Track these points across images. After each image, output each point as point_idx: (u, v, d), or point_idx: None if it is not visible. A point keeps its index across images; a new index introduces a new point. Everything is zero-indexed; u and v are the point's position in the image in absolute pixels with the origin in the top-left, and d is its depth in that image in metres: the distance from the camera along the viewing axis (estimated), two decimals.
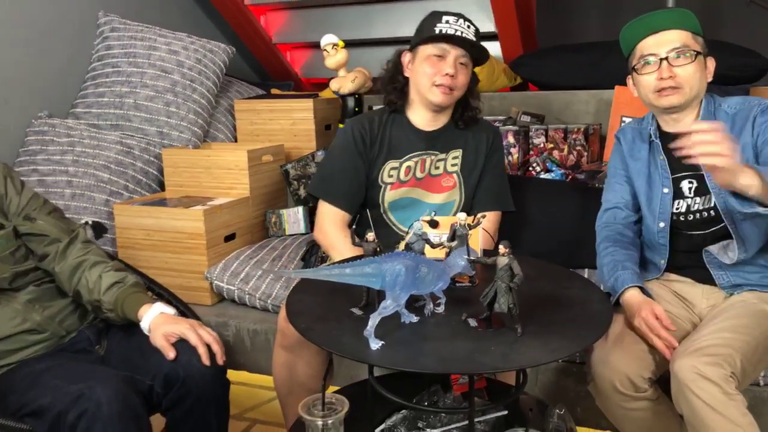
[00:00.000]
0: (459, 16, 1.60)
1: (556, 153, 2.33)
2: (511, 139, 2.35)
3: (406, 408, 1.29)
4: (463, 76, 1.61)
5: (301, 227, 2.38)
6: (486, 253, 1.41)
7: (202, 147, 2.58)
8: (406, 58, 1.67)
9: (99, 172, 2.34)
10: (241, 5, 3.20)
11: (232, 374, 1.43)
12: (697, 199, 1.45)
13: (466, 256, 1.11)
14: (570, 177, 2.21)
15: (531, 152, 2.38)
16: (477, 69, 1.69)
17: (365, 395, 1.24)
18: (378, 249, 1.19)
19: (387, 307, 1.02)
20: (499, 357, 1.00)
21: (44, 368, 1.29)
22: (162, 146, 2.49)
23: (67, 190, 2.28)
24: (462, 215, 1.22)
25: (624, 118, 2.25)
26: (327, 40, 2.56)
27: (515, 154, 2.36)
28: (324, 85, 2.91)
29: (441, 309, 1.15)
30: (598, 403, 1.40)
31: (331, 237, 1.65)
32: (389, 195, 1.69)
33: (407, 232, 1.20)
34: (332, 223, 1.66)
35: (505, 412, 1.28)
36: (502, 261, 1.05)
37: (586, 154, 2.32)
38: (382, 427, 1.27)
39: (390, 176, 1.69)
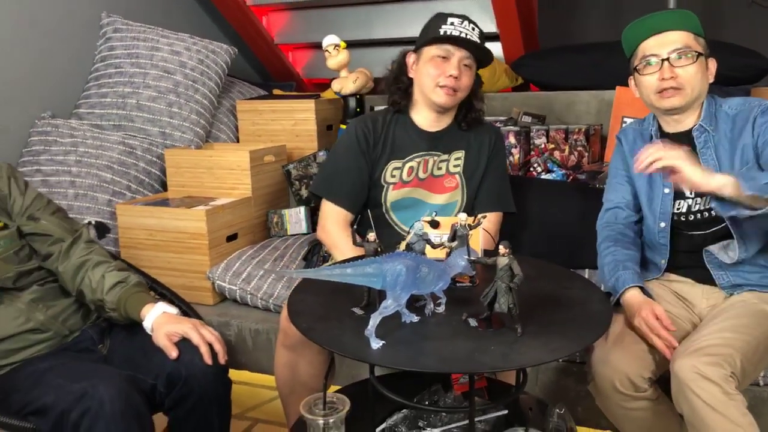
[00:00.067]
0: (464, 18, 1.61)
1: (557, 153, 2.33)
2: (512, 139, 2.36)
3: (407, 407, 1.29)
4: (467, 77, 1.62)
5: (303, 227, 2.38)
6: (486, 253, 1.41)
7: (205, 147, 2.59)
8: (411, 59, 1.68)
9: (102, 173, 2.35)
10: (243, 6, 3.21)
11: (233, 374, 1.44)
12: (698, 199, 1.45)
13: (467, 257, 1.11)
14: (571, 177, 2.22)
15: (532, 153, 2.39)
16: (479, 70, 1.70)
17: (366, 394, 1.24)
18: (379, 249, 1.20)
19: (388, 306, 1.02)
20: (499, 357, 1.01)
21: (47, 367, 1.30)
22: (164, 146, 2.50)
23: (70, 191, 2.29)
24: (463, 216, 1.23)
25: (625, 119, 2.25)
26: (329, 40, 2.56)
27: (516, 154, 2.36)
28: (326, 85, 2.91)
29: (441, 309, 1.16)
30: (598, 403, 1.40)
31: (334, 236, 1.66)
32: (392, 195, 1.70)
33: (408, 233, 1.21)
34: (335, 223, 1.67)
35: (506, 412, 1.29)
36: (503, 261, 1.06)
37: (587, 154, 2.32)
38: (383, 426, 1.28)
39: (393, 176, 1.69)
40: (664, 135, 1.51)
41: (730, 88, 2.21)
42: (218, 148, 2.57)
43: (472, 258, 1.13)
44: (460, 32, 1.58)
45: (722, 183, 1.21)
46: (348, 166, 1.68)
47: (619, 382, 1.30)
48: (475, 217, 1.33)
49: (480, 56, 1.64)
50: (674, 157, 1.23)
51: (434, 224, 1.36)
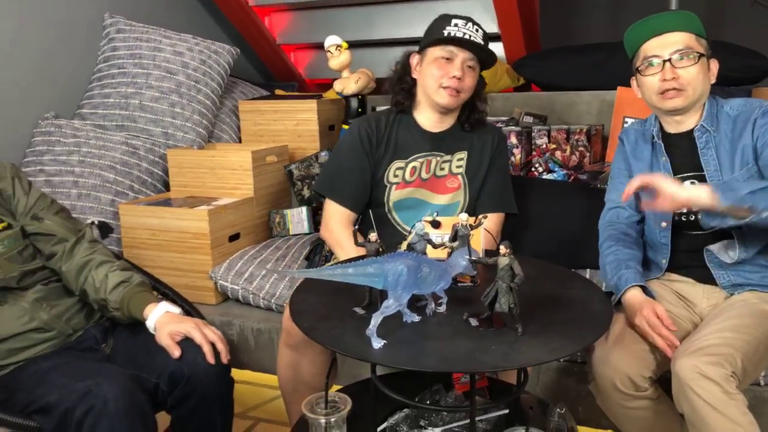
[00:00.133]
0: (468, 19, 1.62)
1: (558, 154, 2.33)
2: (513, 139, 2.36)
3: (409, 407, 1.30)
4: (470, 79, 1.63)
5: (305, 227, 2.39)
6: (487, 253, 1.42)
7: (207, 147, 2.60)
8: (415, 59, 1.69)
9: (105, 173, 2.36)
10: (245, 6, 3.21)
11: (235, 373, 1.44)
12: None
13: (468, 256, 1.12)
14: (572, 178, 2.22)
15: (533, 153, 2.39)
16: (482, 71, 1.71)
17: (368, 394, 1.25)
18: (380, 249, 1.20)
19: (389, 306, 1.03)
20: (500, 356, 1.01)
21: (51, 366, 1.31)
22: (167, 147, 2.51)
23: (73, 191, 2.30)
24: (464, 216, 1.23)
25: (626, 119, 2.25)
26: (331, 41, 2.57)
27: (518, 154, 2.37)
28: (328, 85, 2.92)
29: (442, 308, 1.16)
30: (599, 403, 1.41)
31: (338, 236, 1.67)
32: (394, 195, 1.70)
33: (410, 233, 1.22)
34: (338, 222, 1.68)
35: (506, 411, 1.30)
36: (503, 261, 1.06)
37: (588, 154, 2.33)
38: (384, 425, 1.28)
39: (395, 176, 1.70)
40: (665, 135, 1.52)
41: (731, 89, 2.22)
42: (220, 148, 2.58)
43: (473, 258, 1.13)
44: (464, 34, 1.58)
45: (697, 194, 1.24)
46: (351, 165, 1.69)
47: (620, 381, 1.30)
48: (476, 217, 1.34)
49: (483, 58, 1.64)
50: (649, 176, 1.31)
51: (435, 224, 1.37)
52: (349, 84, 2.56)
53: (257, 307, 2.10)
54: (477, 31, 1.61)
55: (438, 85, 1.61)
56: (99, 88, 2.59)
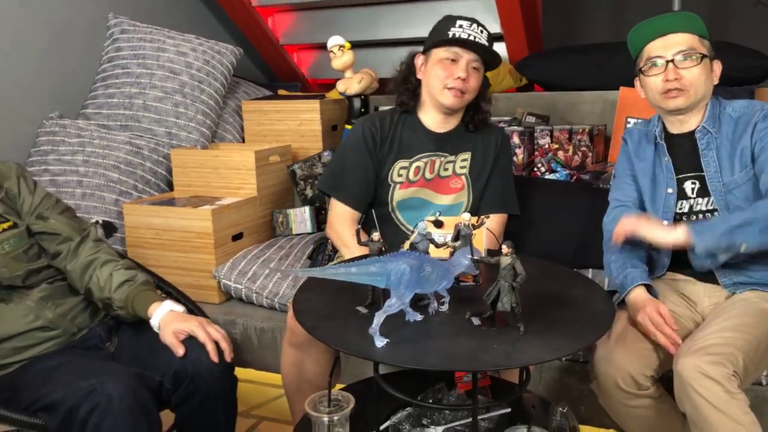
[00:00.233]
0: (472, 20, 1.62)
1: (561, 154, 2.33)
2: (516, 139, 2.36)
3: (411, 405, 1.30)
4: (475, 80, 1.63)
5: (308, 227, 2.40)
6: (490, 253, 1.42)
7: (210, 147, 2.61)
8: (419, 60, 1.70)
9: (109, 172, 2.37)
10: (248, 7, 3.22)
11: (239, 372, 1.45)
12: (699, 200, 1.46)
13: (470, 256, 1.12)
14: (575, 178, 2.22)
15: (536, 153, 2.39)
16: (486, 72, 1.71)
17: (371, 392, 1.25)
18: (383, 248, 1.21)
19: (392, 305, 1.03)
20: (502, 355, 1.02)
21: (56, 364, 1.31)
22: (171, 146, 2.52)
23: (77, 190, 2.31)
24: (466, 215, 1.24)
25: (629, 119, 2.25)
26: (334, 41, 2.58)
27: (520, 154, 2.37)
28: (331, 86, 2.93)
29: (445, 308, 1.17)
30: (601, 401, 1.41)
31: (342, 235, 1.68)
32: (398, 194, 1.71)
33: (413, 232, 1.22)
34: (342, 222, 1.69)
35: (509, 410, 1.30)
36: (506, 260, 1.07)
37: (591, 154, 2.33)
38: (387, 423, 1.29)
39: (399, 176, 1.70)
40: (668, 136, 1.52)
41: (734, 89, 2.22)
42: (224, 148, 2.59)
43: (476, 257, 1.14)
44: (469, 35, 1.59)
45: (675, 238, 1.30)
46: (355, 164, 1.70)
47: (622, 380, 1.31)
48: (479, 216, 1.34)
49: (488, 59, 1.65)
50: (632, 224, 1.38)
51: (438, 224, 1.37)
52: (352, 84, 2.56)
53: (260, 306, 2.10)
54: (482, 32, 1.62)
55: (443, 86, 1.62)
56: (103, 88, 2.60)
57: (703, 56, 1.43)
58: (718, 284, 1.46)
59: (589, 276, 1.83)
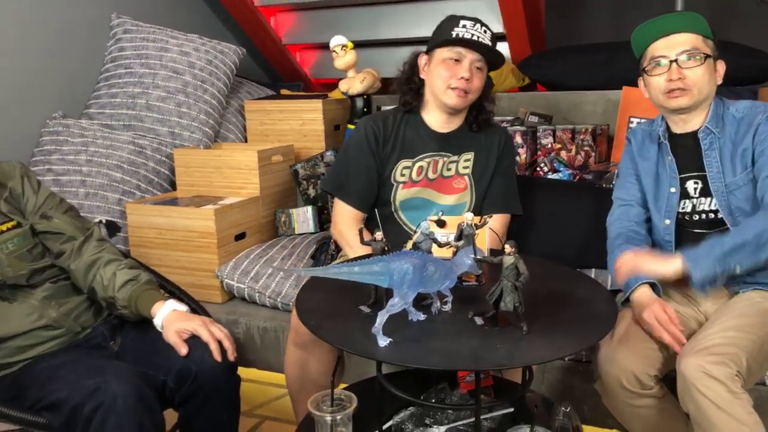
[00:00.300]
0: (476, 20, 1.62)
1: (563, 153, 2.33)
2: (518, 139, 2.36)
3: (414, 405, 1.30)
4: (478, 80, 1.63)
5: (311, 226, 2.40)
6: (493, 252, 1.42)
7: (213, 147, 2.61)
8: (422, 60, 1.69)
9: (112, 172, 2.38)
10: (251, 7, 3.23)
11: (242, 371, 1.45)
12: (702, 200, 1.47)
13: (473, 255, 1.12)
14: (577, 177, 2.22)
15: (539, 152, 2.39)
16: (490, 72, 1.71)
17: (373, 392, 1.25)
18: (386, 248, 1.21)
19: (395, 305, 1.03)
20: (505, 354, 1.02)
21: (60, 363, 1.32)
22: (173, 146, 2.53)
23: (81, 190, 2.32)
24: (469, 215, 1.24)
25: (632, 119, 2.25)
26: (336, 41, 2.58)
27: (523, 154, 2.37)
28: (333, 85, 2.93)
29: (448, 307, 1.17)
30: (605, 401, 1.41)
31: (346, 235, 1.68)
32: (401, 194, 1.71)
33: (415, 232, 1.22)
34: (346, 222, 1.69)
35: (512, 410, 1.30)
36: (508, 260, 1.07)
37: (593, 154, 2.33)
38: (389, 423, 1.29)
39: (402, 175, 1.70)
40: (671, 135, 1.52)
41: (737, 89, 2.21)
42: (227, 147, 2.59)
43: (479, 257, 1.14)
44: (473, 35, 1.59)
45: (674, 269, 1.29)
46: (358, 164, 1.70)
47: (626, 379, 1.31)
48: (482, 216, 1.34)
49: (491, 59, 1.65)
50: (632, 262, 1.35)
51: (441, 223, 1.37)
52: (354, 84, 2.56)
53: (263, 306, 2.11)
54: (485, 32, 1.62)
55: (446, 86, 1.62)
56: (106, 88, 2.60)
57: (707, 56, 1.43)
58: None
59: (592, 276, 1.83)
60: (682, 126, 1.50)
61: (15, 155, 2.20)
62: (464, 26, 1.60)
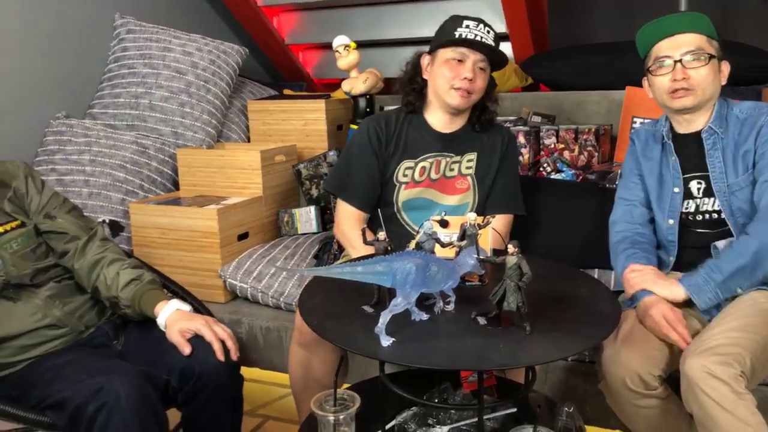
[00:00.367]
0: (479, 21, 1.62)
1: (566, 153, 2.33)
2: (521, 139, 2.36)
3: (417, 405, 1.30)
4: (482, 80, 1.63)
5: (313, 226, 2.40)
6: (496, 252, 1.42)
7: (216, 147, 2.62)
8: (425, 60, 1.69)
9: (115, 172, 2.38)
10: (254, 6, 3.23)
11: (244, 371, 1.46)
12: (705, 200, 1.47)
13: (476, 255, 1.12)
14: (581, 177, 2.22)
15: (542, 153, 2.39)
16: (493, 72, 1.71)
17: (376, 392, 1.25)
18: (389, 248, 1.21)
19: (398, 304, 1.03)
20: (508, 354, 1.02)
21: (64, 362, 1.32)
22: (176, 146, 2.53)
23: (84, 189, 2.33)
24: (472, 215, 1.24)
25: (635, 119, 2.25)
26: (339, 41, 2.58)
27: (526, 154, 2.36)
28: (336, 85, 2.93)
29: (451, 307, 1.17)
30: (609, 402, 1.41)
31: (349, 236, 1.68)
32: (403, 194, 1.71)
33: (418, 232, 1.22)
34: (349, 223, 1.69)
35: (514, 410, 1.30)
36: (511, 260, 1.07)
37: (596, 154, 2.32)
38: (392, 423, 1.29)
39: (405, 176, 1.70)
40: (675, 136, 1.52)
41: (740, 88, 2.21)
42: (229, 147, 2.60)
43: (481, 257, 1.14)
44: (476, 35, 1.58)
45: (676, 295, 1.36)
46: (360, 165, 1.70)
47: (630, 380, 1.30)
48: (485, 216, 1.34)
49: (495, 59, 1.64)
50: (642, 283, 1.41)
51: (444, 223, 1.37)
52: (357, 84, 2.56)
53: (266, 306, 2.11)
54: (488, 32, 1.61)
55: (449, 86, 1.62)
56: (109, 88, 2.61)
57: (711, 56, 1.43)
58: None
59: (595, 276, 1.83)
60: (686, 126, 1.50)
61: (19, 155, 2.20)
62: (467, 26, 1.60)
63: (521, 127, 2.41)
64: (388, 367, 1.25)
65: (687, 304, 1.45)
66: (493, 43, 1.61)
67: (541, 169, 2.32)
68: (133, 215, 2.26)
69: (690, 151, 1.49)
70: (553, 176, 2.26)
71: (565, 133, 2.37)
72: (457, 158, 1.72)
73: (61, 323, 1.41)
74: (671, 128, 1.53)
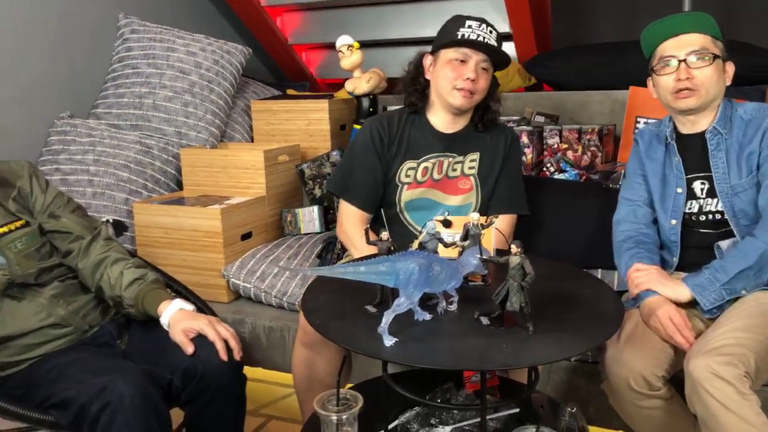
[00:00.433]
0: (481, 21, 1.62)
1: (570, 153, 2.33)
2: (525, 139, 2.36)
3: (420, 405, 1.30)
4: (484, 80, 1.63)
5: (316, 226, 2.40)
6: (499, 252, 1.42)
7: (220, 147, 2.62)
8: (428, 61, 1.69)
9: (119, 172, 2.39)
10: (257, 6, 3.23)
11: (247, 371, 1.46)
12: (709, 200, 1.46)
13: (479, 255, 1.12)
14: (584, 177, 2.21)
15: (545, 153, 2.38)
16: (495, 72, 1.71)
17: (379, 392, 1.26)
18: (392, 248, 1.21)
19: (401, 304, 1.04)
20: (511, 354, 1.02)
21: (68, 362, 1.33)
22: (180, 146, 2.54)
23: (88, 189, 2.33)
24: (475, 215, 1.24)
25: (638, 119, 2.24)
26: (342, 41, 2.58)
27: (529, 154, 2.36)
28: (339, 85, 2.93)
29: (454, 307, 1.17)
30: (612, 402, 1.41)
31: (351, 236, 1.68)
32: (406, 195, 1.71)
33: (421, 232, 1.22)
34: (352, 223, 1.69)
35: (517, 410, 1.30)
36: (514, 260, 1.07)
37: (600, 154, 2.32)
38: (395, 423, 1.29)
39: (407, 176, 1.70)
40: (679, 136, 1.52)
41: (744, 88, 2.20)
42: (233, 147, 2.60)
43: (485, 257, 1.14)
44: (478, 36, 1.58)
45: (680, 296, 1.37)
46: (363, 165, 1.70)
47: (634, 380, 1.30)
48: (488, 216, 1.34)
49: (497, 59, 1.64)
50: (646, 283, 1.42)
51: (447, 223, 1.37)
52: (360, 84, 2.56)
53: (269, 306, 2.11)
54: (491, 32, 1.61)
55: (452, 86, 1.61)
56: (113, 88, 2.62)
57: (716, 57, 1.42)
58: None
59: (599, 276, 1.83)
60: (690, 127, 1.50)
61: (23, 155, 2.22)
62: (470, 27, 1.59)
63: (524, 127, 2.40)
64: (391, 367, 1.25)
65: (690, 304, 1.44)
66: (495, 44, 1.61)
67: (545, 169, 2.32)
68: (137, 215, 2.26)
69: (694, 152, 1.49)
70: (557, 176, 2.26)
71: (569, 133, 2.36)
72: (460, 158, 1.72)
73: (66, 322, 1.42)
74: (675, 129, 1.53)
